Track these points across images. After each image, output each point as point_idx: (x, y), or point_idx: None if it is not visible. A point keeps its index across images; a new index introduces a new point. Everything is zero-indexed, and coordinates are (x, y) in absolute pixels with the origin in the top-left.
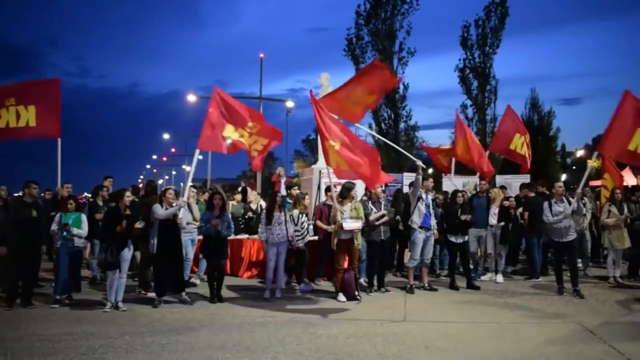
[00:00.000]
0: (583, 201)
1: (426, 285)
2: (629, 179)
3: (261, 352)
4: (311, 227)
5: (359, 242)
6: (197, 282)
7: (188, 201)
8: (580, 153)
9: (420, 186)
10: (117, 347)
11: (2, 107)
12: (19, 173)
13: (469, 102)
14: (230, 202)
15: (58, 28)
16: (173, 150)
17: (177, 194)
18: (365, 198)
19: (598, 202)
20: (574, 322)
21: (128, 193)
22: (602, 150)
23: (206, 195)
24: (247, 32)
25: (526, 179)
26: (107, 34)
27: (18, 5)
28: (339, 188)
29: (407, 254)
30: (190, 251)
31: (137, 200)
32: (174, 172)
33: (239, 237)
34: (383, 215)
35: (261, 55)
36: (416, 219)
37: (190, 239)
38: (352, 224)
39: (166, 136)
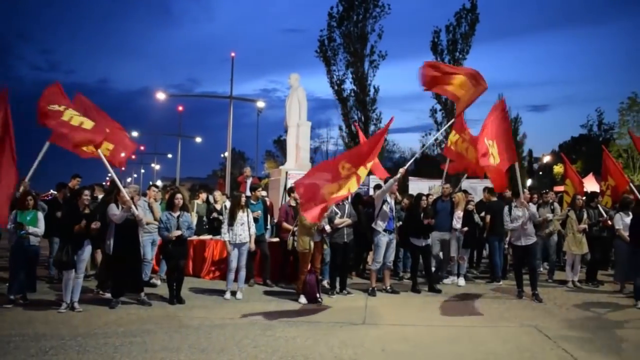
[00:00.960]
0: (552, 207)
1: (388, 288)
2: (590, 185)
3: (216, 354)
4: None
5: (327, 244)
6: (158, 282)
7: (149, 201)
8: (547, 159)
9: (391, 190)
10: (68, 348)
11: None
12: None
13: (438, 107)
14: (195, 202)
15: (27, 20)
16: (142, 148)
17: (145, 194)
18: None
19: (560, 207)
20: (530, 326)
21: (87, 192)
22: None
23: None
24: (221, 30)
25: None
26: (77, 27)
27: None
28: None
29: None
30: (149, 252)
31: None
32: (142, 170)
33: (202, 237)
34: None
35: (232, 54)
36: (380, 222)
37: (150, 240)
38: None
39: (135, 134)
